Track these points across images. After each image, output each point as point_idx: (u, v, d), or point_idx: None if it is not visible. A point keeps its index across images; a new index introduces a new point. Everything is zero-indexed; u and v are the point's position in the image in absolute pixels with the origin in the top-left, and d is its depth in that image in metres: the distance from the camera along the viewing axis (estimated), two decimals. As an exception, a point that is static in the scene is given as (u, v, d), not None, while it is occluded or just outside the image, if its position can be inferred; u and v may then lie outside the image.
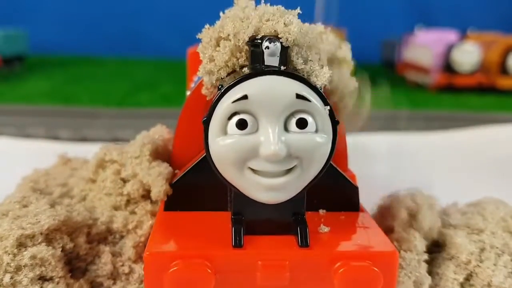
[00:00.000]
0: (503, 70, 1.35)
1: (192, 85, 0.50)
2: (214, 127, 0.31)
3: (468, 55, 1.35)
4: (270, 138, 0.30)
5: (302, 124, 0.31)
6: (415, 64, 1.46)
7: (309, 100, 0.31)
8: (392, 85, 1.51)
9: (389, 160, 0.60)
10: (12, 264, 0.32)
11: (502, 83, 1.34)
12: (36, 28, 1.68)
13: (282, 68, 0.32)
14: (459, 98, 1.29)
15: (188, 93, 0.46)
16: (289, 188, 0.32)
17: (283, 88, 0.31)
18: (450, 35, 1.43)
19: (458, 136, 0.83)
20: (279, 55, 0.32)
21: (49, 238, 0.34)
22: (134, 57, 1.81)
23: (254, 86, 0.31)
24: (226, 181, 0.33)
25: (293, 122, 0.31)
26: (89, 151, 0.74)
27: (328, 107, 0.32)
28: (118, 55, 1.82)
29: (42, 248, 0.32)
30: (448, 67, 1.36)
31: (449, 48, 1.35)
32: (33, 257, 0.32)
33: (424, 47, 1.43)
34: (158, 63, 1.71)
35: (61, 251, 0.34)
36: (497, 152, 0.77)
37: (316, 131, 0.32)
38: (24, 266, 0.32)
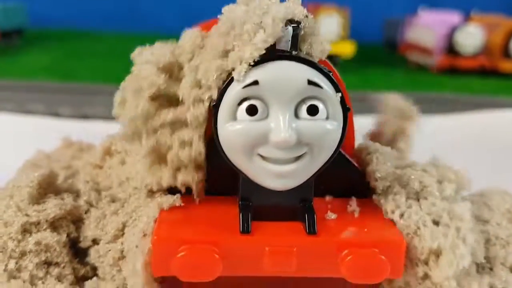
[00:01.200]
0: (506, 53, 1.35)
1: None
2: (224, 112, 0.31)
3: (471, 37, 1.34)
4: (280, 124, 0.30)
5: (313, 111, 0.31)
6: (418, 45, 1.45)
7: (320, 87, 0.31)
8: (393, 65, 1.51)
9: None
10: (16, 250, 0.31)
11: (505, 66, 1.34)
12: (35, 1, 1.66)
13: (294, 53, 0.31)
14: (461, 80, 1.29)
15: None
16: (298, 175, 0.32)
17: (294, 74, 0.30)
18: (453, 17, 1.42)
19: (461, 119, 0.83)
20: (290, 39, 0.31)
21: (54, 225, 0.33)
22: (133, 32, 1.79)
23: (265, 72, 0.30)
24: (235, 167, 0.32)
25: (304, 108, 0.31)
26: (90, 128, 0.74)
27: (340, 94, 0.31)
28: (117, 30, 1.80)
29: (47, 234, 0.32)
30: (450, 49, 1.35)
31: (452, 30, 1.35)
32: (37, 243, 0.32)
33: (427, 28, 1.42)
34: (158, 38, 1.70)
35: (66, 236, 0.34)
36: (499, 136, 0.77)
37: (327, 118, 0.31)
38: (29, 251, 0.31)
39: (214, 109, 0.32)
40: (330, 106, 0.31)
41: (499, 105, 0.92)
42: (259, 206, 0.34)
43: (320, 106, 0.31)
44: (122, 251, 0.33)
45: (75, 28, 1.79)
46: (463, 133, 0.80)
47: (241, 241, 0.32)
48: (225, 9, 0.33)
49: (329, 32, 1.32)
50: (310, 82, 0.30)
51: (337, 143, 0.32)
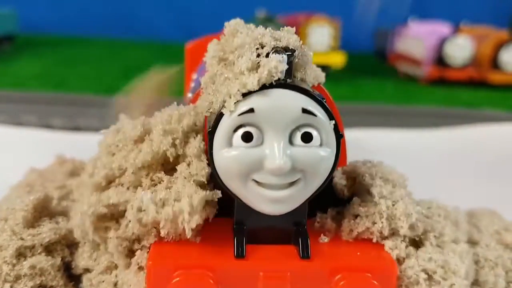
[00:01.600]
0: (495, 64, 1.36)
1: (192, 84, 0.50)
2: (219, 138, 0.32)
3: (461, 49, 1.35)
4: (275, 152, 0.31)
5: (307, 138, 0.31)
6: (407, 56, 1.46)
7: (315, 115, 0.31)
8: (383, 76, 1.52)
9: (384, 158, 0.60)
10: (11, 274, 0.32)
11: (493, 77, 1.35)
12: (26, 7, 1.66)
13: (288, 80, 0.32)
14: (450, 92, 1.30)
15: (189, 95, 0.46)
16: (292, 201, 0.32)
17: (289, 102, 0.31)
18: (443, 28, 1.44)
19: (450, 134, 0.84)
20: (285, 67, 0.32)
21: (49, 249, 0.34)
22: (126, 38, 1.79)
23: (260, 100, 0.31)
24: (230, 191, 0.33)
25: (298, 135, 0.31)
26: (83, 140, 0.73)
27: (333, 122, 0.32)
28: (110, 36, 1.80)
29: (41, 259, 0.32)
30: (440, 60, 1.36)
31: (442, 41, 1.36)
32: (32, 267, 0.32)
33: (417, 39, 1.43)
34: (151, 45, 1.70)
35: (60, 260, 0.34)
36: (487, 152, 0.78)
37: (321, 144, 0.32)
38: (23, 275, 0.32)
39: (209, 135, 0.32)
40: (323, 133, 0.32)
41: (490, 119, 0.93)
42: (252, 228, 0.34)
43: (314, 133, 0.31)
44: (115, 284, 0.33)
45: (67, 34, 1.79)
46: (453, 147, 0.81)
47: (235, 266, 0.32)
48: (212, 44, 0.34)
49: (320, 42, 1.33)
50: (305, 111, 0.31)
51: (330, 169, 0.33)
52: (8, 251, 0.32)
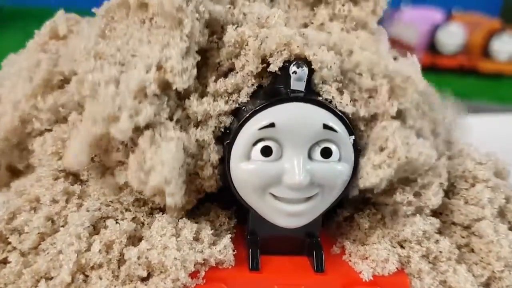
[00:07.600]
0: (485, 53, 1.37)
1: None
2: (238, 151, 0.31)
3: (453, 36, 1.35)
4: (295, 167, 0.30)
5: (326, 153, 0.31)
6: (399, 41, 1.46)
7: (335, 131, 0.31)
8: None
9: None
10: None
11: (484, 66, 1.36)
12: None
13: (309, 94, 0.31)
14: (441, 79, 1.31)
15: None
16: (308, 214, 0.32)
17: (310, 117, 0.31)
18: (435, 14, 1.43)
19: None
20: (305, 80, 0.31)
21: None
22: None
23: (281, 114, 0.31)
24: (245, 203, 0.33)
25: (317, 150, 0.31)
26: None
27: (353, 137, 0.32)
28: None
29: None
30: (431, 47, 1.36)
31: (435, 28, 1.36)
32: None
33: (410, 24, 1.43)
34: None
35: None
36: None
37: (339, 159, 0.32)
38: None
39: (227, 146, 0.32)
40: (343, 149, 0.31)
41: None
42: (265, 237, 0.34)
43: (334, 148, 0.31)
44: None
45: (53, 6, 1.74)
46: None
47: (250, 278, 0.32)
48: None
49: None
50: (326, 126, 0.31)
51: (347, 183, 0.33)
52: None
